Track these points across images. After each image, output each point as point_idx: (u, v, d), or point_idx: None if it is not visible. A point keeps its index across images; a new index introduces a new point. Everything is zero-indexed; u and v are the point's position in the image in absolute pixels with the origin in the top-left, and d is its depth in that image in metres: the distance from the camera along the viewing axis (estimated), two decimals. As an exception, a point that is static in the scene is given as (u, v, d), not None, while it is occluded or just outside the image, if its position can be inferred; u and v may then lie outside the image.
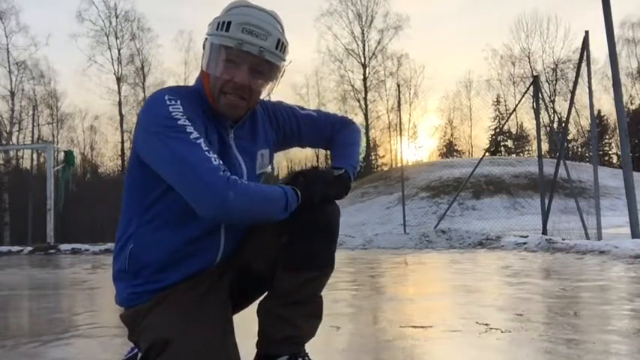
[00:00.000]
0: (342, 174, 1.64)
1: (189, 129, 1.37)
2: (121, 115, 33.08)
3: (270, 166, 1.71)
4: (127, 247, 1.54)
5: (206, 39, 1.50)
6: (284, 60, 1.52)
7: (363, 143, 1.87)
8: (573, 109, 10.02)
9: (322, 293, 1.66)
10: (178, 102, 1.42)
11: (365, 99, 35.61)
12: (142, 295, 1.52)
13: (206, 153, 1.34)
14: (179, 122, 1.37)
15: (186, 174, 1.33)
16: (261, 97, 1.58)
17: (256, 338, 1.64)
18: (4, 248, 11.30)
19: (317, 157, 34.45)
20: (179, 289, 1.49)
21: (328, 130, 1.81)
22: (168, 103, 1.41)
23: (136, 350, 1.69)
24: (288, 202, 1.42)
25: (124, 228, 1.56)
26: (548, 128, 19.75)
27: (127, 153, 33.52)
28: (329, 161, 1.86)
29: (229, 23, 1.44)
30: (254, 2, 1.55)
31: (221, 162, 1.36)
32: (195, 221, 1.44)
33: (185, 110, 1.41)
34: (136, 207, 1.53)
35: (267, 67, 1.49)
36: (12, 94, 31.08)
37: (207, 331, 1.42)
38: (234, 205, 1.31)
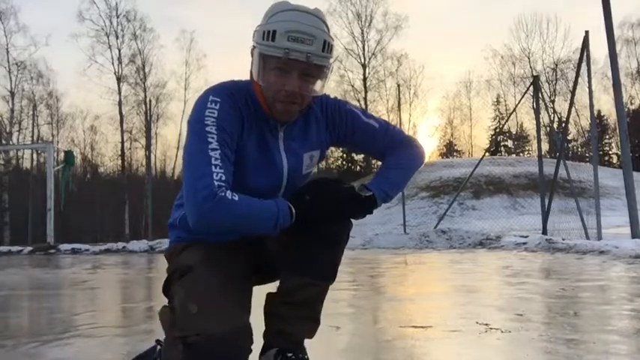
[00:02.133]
0: (367, 196, 1.61)
1: (211, 138, 1.47)
2: (121, 115, 33.01)
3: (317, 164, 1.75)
4: (180, 210, 1.67)
5: (254, 47, 1.52)
6: (331, 58, 1.54)
7: (417, 168, 1.77)
8: (573, 109, 10.04)
9: None
10: (218, 105, 1.51)
11: (365, 99, 35.58)
12: (184, 241, 1.69)
13: (211, 163, 1.43)
14: (206, 129, 1.48)
15: (186, 173, 1.48)
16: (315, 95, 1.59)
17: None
18: (4, 248, 11.30)
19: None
20: (212, 242, 1.62)
21: (384, 145, 1.74)
22: (208, 105, 1.50)
23: (156, 346, 1.81)
24: (277, 222, 1.47)
25: (181, 192, 1.66)
26: (548, 128, 19.78)
27: (127, 153, 33.55)
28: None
29: (274, 32, 1.46)
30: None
31: (223, 176, 1.43)
32: None
33: (220, 115, 1.50)
34: None
35: (316, 70, 1.51)
36: (12, 94, 31.08)
37: (226, 271, 1.55)
38: (209, 220, 1.42)
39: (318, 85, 1.55)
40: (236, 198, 1.43)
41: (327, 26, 1.53)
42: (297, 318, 1.64)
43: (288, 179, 1.62)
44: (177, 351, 1.43)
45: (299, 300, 1.63)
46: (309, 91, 1.53)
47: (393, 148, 1.74)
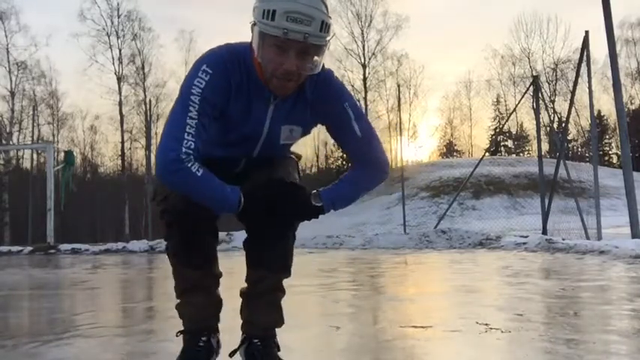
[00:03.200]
0: (317, 206, 1.69)
1: (192, 107, 1.59)
2: (122, 115, 33.00)
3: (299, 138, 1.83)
4: None
5: (254, 23, 1.57)
6: (329, 37, 1.58)
7: (372, 189, 1.86)
8: (573, 109, 10.03)
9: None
10: (208, 77, 1.61)
11: (365, 99, 35.54)
12: None
13: (185, 130, 1.57)
14: (191, 97, 1.60)
15: (164, 130, 1.62)
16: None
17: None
18: (4, 248, 11.29)
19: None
20: None
21: (357, 154, 1.79)
22: (199, 75, 1.61)
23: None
24: (223, 207, 1.62)
25: None
26: (548, 128, 19.77)
27: (127, 153, 33.54)
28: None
29: (274, 12, 1.50)
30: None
31: (192, 145, 1.56)
32: (218, 148, 1.74)
33: (207, 87, 1.60)
34: None
35: (314, 49, 1.57)
36: (12, 94, 31.08)
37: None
38: (167, 180, 1.60)
39: (315, 63, 1.60)
40: (198, 173, 1.56)
41: (325, 6, 1.56)
42: (260, 307, 1.82)
43: (262, 145, 1.76)
44: (163, 224, 1.74)
45: (259, 291, 1.82)
46: (306, 69, 1.59)
47: (363, 162, 1.78)
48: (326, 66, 1.71)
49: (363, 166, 1.78)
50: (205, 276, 1.82)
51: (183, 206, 1.66)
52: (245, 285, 1.87)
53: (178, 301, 1.86)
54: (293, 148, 1.95)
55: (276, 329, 1.87)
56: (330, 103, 1.74)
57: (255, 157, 1.80)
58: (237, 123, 1.70)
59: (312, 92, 1.72)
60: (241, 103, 1.68)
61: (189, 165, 1.55)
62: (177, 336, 1.90)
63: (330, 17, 1.56)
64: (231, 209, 1.61)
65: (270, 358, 1.79)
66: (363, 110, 1.86)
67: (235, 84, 1.65)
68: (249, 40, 1.66)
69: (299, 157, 2.04)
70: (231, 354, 1.82)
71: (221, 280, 1.91)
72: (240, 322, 1.88)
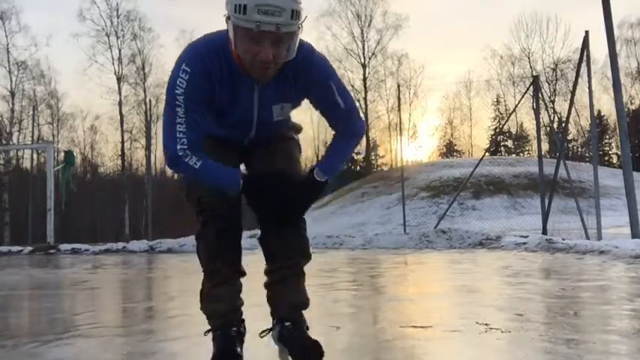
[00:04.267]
0: (324, 181, 1.87)
1: (178, 107, 1.73)
2: (122, 115, 32.97)
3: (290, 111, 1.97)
4: None
5: (228, 17, 1.64)
6: (300, 21, 1.65)
7: (350, 151, 2.01)
8: (573, 109, 10.04)
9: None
10: (188, 76, 1.72)
11: (365, 99, 35.53)
12: None
13: (177, 129, 1.74)
14: (176, 99, 1.73)
15: (162, 131, 1.78)
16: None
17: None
18: (4, 248, 11.30)
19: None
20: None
21: (340, 124, 1.93)
22: (180, 75, 1.72)
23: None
24: (224, 189, 1.80)
25: None
26: (548, 128, 19.77)
27: (127, 153, 33.52)
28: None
29: (245, 6, 1.57)
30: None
31: (186, 141, 1.74)
32: (220, 129, 1.90)
33: (188, 86, 1.72)
34: None
35: (287, 36, 1.64)
36: (12, 94, 31.07)
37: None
38: (175, 172, 1.86)
39: (290, 49, 1.68)
40: (196, 166, 1.75)
41: None
42: (285, 291, 1.94)
43: (257, 125, 1.89)
44: (198, 223, 1.89)
45: (281, 278, 1.94)
46: (282, 57, 1.68)
47: (346, 131, 1.93)
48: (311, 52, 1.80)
49: (345, 135, 1.94)
50: (234, 272, 1.93)
51: (216, 207, 1.84)
52: (266, 277, 2.00)
53: (207, 299, 1.94)
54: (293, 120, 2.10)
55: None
56: (314, 81, 1.84)
57: (256, 135, 1.93)
58: (227, 110, 1.83)
59: (294, 72, 1.79)
60: (226, 92, 1.78)
61: (187, 160, 1.75)
62: (205, 335, 1.95)
63: (299, 3, 1.62)
64: (233, 192, 1.80)
65: (303, 338, 1.88)
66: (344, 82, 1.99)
67: (217, 76, 1.75)
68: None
69: (299, 129, 2.17)
70: (262, 334, 1.96)
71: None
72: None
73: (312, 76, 1.82)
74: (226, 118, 1.86)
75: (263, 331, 1.98)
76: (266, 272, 2.00)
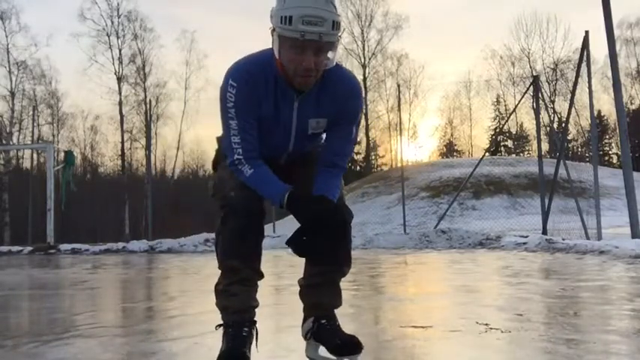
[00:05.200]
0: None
1: (231, 119, 1.89)
2: (122, 115, 32.97)
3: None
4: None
5: (273, 29, 1.79)
6: (339, 32, 1.79)
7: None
8: (573, 109, 10.02)
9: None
10: (235, 90, 1.86)
11: (365, 99, 35.54)
12: None
13: (232, 139, 1.90)
14: (228, 112, 1.89)
15: (223, 139, 1.98)
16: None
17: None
18: (4, 248, 11.30)
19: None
20: None
21: (336, 153, 2.02)
22: (228, 89, 1.87)
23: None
24: (270, 200, 1.91)
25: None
26: (548, 128, 19.76)
27: (127, 153, 33.50)
28: None
29: (291, 18, 1.72)
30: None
31: (240, 150, 1.89)
32: (263, 148, 1.97)
33: (237, 98, 1.86)
34: None
35: (327, 45, 1.78)
36: (12, 94, 31.06)
37: None
38: (236, 175, 1.93)
39: (330, 58, 1.82)
40: (248, 173, 1.90)
41: (334, 6, 1.76)
42: (326, 293, 2.04)
43: (295, 138, 1.99)
44: (219, 218, 1.96)
45: (324, 281, 2.03)
46: (322, 65, 1.81)
47: (337, 161, 2.01)
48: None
49: (335, 167, 2.00)
50: (251, 271, 1.97)
51: (240, 203, 1.91)
52: (307, 278, 2.07)
53: (221, 295, 1.99)
54: None
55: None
56: (350, 102, 1.96)
57: (293, 151, 2.03)
58: (270, 120, 1.93)
59: (333, 87, 1.92)
60: (270, 104, 1.91)
61: (241, 167, 1.91)
62: (216, 329, 1.97)
63: (339, 15, 1.77)
64: (274, 203, 1.90)
65: (339, 334, 2.01)
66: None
67: (262, 88, 1.89)
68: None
69: None
70: (307, 336, 2.05)
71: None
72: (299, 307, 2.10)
73: (347, 93, 1.95)
74: (268, 134, 1.96)
75: (306, 334, 2.06)
76: (308, 273, 2.07)
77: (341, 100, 1.94)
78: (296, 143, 2.01)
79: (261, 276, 2.01)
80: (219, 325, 1.97)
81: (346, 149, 2.03)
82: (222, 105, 1.90)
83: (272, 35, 1.81)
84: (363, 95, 2.06)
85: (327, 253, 1.95)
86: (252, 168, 1.90)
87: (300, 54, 1.77)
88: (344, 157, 2.03)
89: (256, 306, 2.00)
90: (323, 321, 2.03)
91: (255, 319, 1.99)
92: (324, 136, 2.06)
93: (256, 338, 1.97)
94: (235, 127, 1.89)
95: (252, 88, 1.87)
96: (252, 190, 1.92)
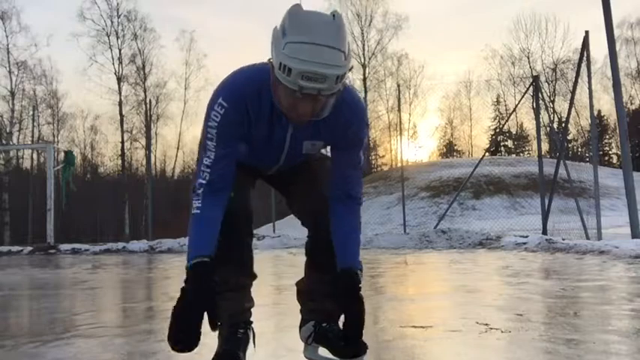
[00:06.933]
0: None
1: (210, 141, 1.74)
2: (122, 115, 32.98)
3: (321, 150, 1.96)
4: None
5: (271, 59, 1.60)
6: (345, 80, 1.62)
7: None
8: (573, 109, 10.03)
9: None
10: (223, 111, 1.71)
11: (365, 99, 35.52)
12: None
13: (204, 163, 1.75)
14: (208, 132, 1.74)
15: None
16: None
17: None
18: (4, 248, 11.30)
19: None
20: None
21: (345, 182, 1.87)
22: (215, 108, 1.72)
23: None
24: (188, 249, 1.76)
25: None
26: (548, 128, 19.76)
27: (127, 153, 33.52)
28: None
29: (290, 70, 1.52)
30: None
31: (208, 176, 1.74)
32: (250, 159, 1.90)
33: (222, 120, 1.71)
34: None
35: (328, 96, 1.60)
36: (12, 94, 31.07)
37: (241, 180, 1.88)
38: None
39: (328, 105, 1.65)
40: (197, 209, 1.74)
41: (344, 53, 1.58)
42: (328, 300, 1.96)
43: (287, 155, 1.88)
44: None
45: (327, 290, 1.94)
46: (319, 114, 1.65)
47: (347, 199, 1.86)
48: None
49: (348, 204, 1.87)
50: (243, 277, 1.92)
51: (229, 209, 1.80)
52: (305, 281, 2.05)
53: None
54: None
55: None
56: (351, 129, 1.81)
57: (284, 165, 1.93)
58: (259, 142, 1.81)
59: (334, 114, 1.73)
60: (262, 127, 1.77)
61: (197, 198, 1.75)
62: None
63: (344, 66, 1.57)
64: (188, 262, 1.72)
65: (338, 334, 1.96)
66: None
67: (254, 113, 1.74)
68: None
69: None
70: (309, 341, 2.01)
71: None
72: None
73: (350, 119, 1.80)
74: (257, 152, 1.86)
75: (308, 338, 2.02)
76: (308, 278, 2.04)
77: (342, 128, 1.80)
78: (288, 159, 1.91)
79: (254, 278, 1.98)
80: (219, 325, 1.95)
81: (357, 176, 1.88)
82: (205, 121, 1.76)
83: (269, 64, 1.62)
84: (368, 120, 1.92)
85: (334, 264, 1.91)
86: (204, 208, 1.74)
87: (295, 100, 1.60)
88: (356, 186, 1.88)
89: (251, 306, 1.98)
90: (324, 324, 1.99)
91: (251, 319, 1.97)
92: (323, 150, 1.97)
93: (253, 338, 1.96)
94: (212, 150, 1.74)
95: (243, 113, 1.73)
96: (238, 192, 1.82)
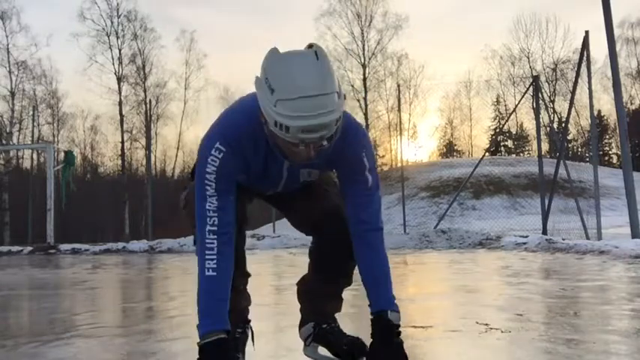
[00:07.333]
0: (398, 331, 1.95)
1: (209, 187, 1.68)
2: (122, 115, 32.94)
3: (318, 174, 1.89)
4: None
5: (263, 117, 1.54)
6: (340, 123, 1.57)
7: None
8: (573, 109, 10.04)
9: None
10: (221, 155, 1.67)
11: (365, 99, 35.47)
12: None
13: (207, 205, 1.69)
14: (207, 176, 1.68)
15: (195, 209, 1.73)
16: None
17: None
18: (4, 248, 11.30)
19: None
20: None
21: (358, 206, 1.80)
22: (212, 153, 1.67)
23: None
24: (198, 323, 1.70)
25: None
26: (548, 128, 19.77)
27: (127, 153, 33.49)
28: None
29: (287, 128, 1.47)
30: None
31: (216, 221, 1.68)
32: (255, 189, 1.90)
33: (221, 165, 1.67)
34: None
35: (329, 138, 1.55)
36: (12, 94, 31.06)
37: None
38: (196, 251, 1.73)
39: (329, 143, 1.58)
40: (207, 272, 1.67)
41: (337, 93, 1.51)
42: (328, 301, 2.04)
43: (285, 183, 1.86)
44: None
45: (329, 290, 2.03)
46: (319, 155, 1.60)
47: (363, 223, 1.79)
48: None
49: (367, 232, 1.80)
50: (236, 281, 1.84)
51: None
52: (307, 282, 2.06)
53: None
54: None
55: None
56: (346, 153, 1.75)
57: (282, 191, 1.91)
58: (256, 175, 1.79)
59: (331, 147, 1.67)
60: (259, 164, 1.75)
61: (208, 254, 1.68)
62: None
63: (340, 107, 1.51)
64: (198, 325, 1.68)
65: (343, 337, 2.00)
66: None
67: (250, 154, 1.72)
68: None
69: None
70: (308, 341, 2.03)
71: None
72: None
73: (345, 146, 1.73)
74: (254, 183, 1.84)
75: (307, 339, 2.03)
76: (310, 279, 2.05)
77: (339, 156, 1.75)
78: (286, 187, 1.89)
79: (248, 276, 1.98)
80: None
81: (370, 201, 1.79)
82: (199, 166, 1.69)
83: (260, 114, 1.55)
84: (369, 141, 1.85)
85: (337, 267, 1.95)
86: (220, 268, 1.67)
87: (296, 147, 1.54)
88: (374, 211, 1.79)
89: (248, 304, 1.98)
90: (324, 325, 2.00)
91: (249, 317, 1.97)
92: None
93: (252, 337, 1.96)
94: (213, 195, 1.68)
95: (241, 156, 1.70)
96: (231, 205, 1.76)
